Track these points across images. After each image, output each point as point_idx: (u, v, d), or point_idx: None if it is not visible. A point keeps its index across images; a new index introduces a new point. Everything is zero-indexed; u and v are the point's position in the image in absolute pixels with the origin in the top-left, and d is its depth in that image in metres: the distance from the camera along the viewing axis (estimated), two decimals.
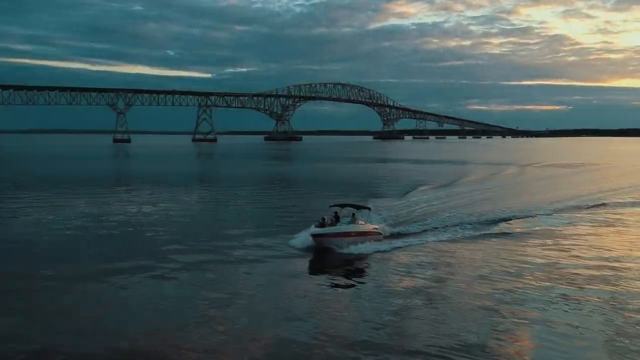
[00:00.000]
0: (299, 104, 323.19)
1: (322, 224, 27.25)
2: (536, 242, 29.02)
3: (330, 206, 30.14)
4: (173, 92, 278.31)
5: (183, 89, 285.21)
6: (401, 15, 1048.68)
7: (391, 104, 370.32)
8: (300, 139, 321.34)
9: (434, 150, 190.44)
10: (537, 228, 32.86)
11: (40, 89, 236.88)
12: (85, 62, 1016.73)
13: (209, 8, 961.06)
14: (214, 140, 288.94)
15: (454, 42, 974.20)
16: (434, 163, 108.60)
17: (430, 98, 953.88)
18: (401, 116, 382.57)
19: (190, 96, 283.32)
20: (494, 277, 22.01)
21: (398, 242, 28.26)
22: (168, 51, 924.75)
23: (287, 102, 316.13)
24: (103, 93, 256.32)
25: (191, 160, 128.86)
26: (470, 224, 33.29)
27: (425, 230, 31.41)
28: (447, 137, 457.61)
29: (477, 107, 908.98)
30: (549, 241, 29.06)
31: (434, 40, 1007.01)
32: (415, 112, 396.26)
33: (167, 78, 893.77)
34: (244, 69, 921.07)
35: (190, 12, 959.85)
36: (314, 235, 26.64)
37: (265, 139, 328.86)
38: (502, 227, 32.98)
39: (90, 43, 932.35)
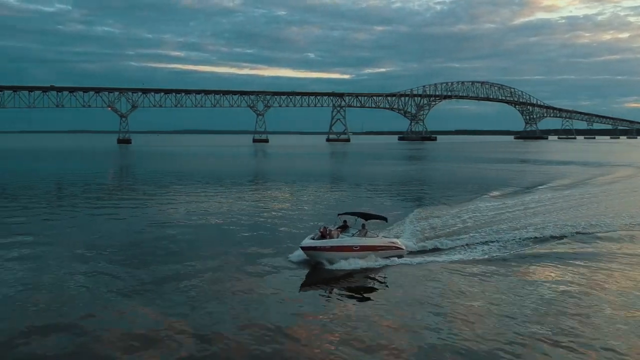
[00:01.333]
0: (434, 103, 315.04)
1: (323, 234, 23.98)
2: (579, 270, 23.29)
3: (338, 215, 26.64)
4: (308, 94, 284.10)
5: (321, 91, 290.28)
6: (549, 8, 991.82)
7: (534, 102, 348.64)
8: (435, 139, 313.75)
9: (576, 150, 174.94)
10: (593, 250, 26.86)
11: (188, 92, 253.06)
12: (232, 66, 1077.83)
13: (349, 10, 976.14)
14: (347, 140, 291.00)
15: (609, 35, 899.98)
16: (565, 164, 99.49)
17: (579, 96, 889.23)
18: (545, 115, 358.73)
19: (325, 97, 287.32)
20: (504, 321, 17.02)
21: (410, 259, 24.54)
22: (309, 54, 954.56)
23: (421, 101, 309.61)
24: (244, 95, 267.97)
25: (323, 159, 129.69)
26: (517, 240, 28.33)
27: (455, 247, 26.77)
28: (597, 137, 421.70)
29: (635, 104, 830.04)
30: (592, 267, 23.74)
31: (586, 34, 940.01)
32: (560, 110, 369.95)
33: (307, 80, 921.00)
34: (383, 69, 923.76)
35: (331, 14, 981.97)
36: (303, 248, 23.55)
37: (399, 139, 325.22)
38: (553, 246, 27.55)
39: (236, 48, 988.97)
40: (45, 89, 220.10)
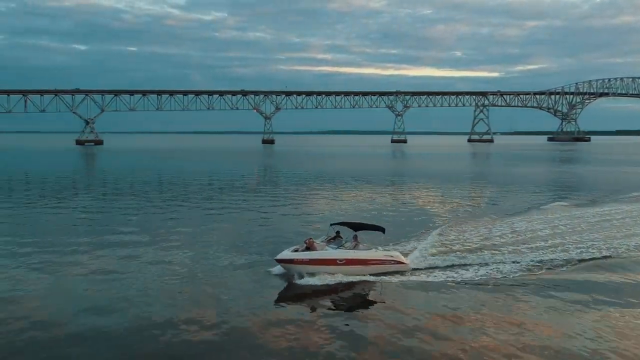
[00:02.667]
0: (588, 101, 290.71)
1: (308, 246, 22.36)
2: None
3: (331, 225, 24.78)
4: (449, 93, 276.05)
5: (468, 90, 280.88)
6: None
7: None
8: (589, 140, 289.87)
9: None
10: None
11: (328, 93, 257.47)
12: (376, 67, 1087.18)
13: (498, 5, 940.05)
14: (491, 140, 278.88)
15: None
16: None
17: None
18: None
19: (467, 96, 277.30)
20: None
21: (412, 277, 22.30)
22: (455, 52, 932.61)
23: (574, 99, 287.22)
24: (383, 96, 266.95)
25: (462, 160, 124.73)
26: (535, 262, 24.43)
27: (465, 265, 23.78)
28: None
29: None
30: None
31: None
32: None
33: (453, 79, 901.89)
34: (534, 66, 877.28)
35: (479, 10, 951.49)
36: (278, 260, 22.17)
37: (549, 139, 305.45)
38: (576, 269, 23.66)
39: (381, 49, 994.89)
40: (197, 93, 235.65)
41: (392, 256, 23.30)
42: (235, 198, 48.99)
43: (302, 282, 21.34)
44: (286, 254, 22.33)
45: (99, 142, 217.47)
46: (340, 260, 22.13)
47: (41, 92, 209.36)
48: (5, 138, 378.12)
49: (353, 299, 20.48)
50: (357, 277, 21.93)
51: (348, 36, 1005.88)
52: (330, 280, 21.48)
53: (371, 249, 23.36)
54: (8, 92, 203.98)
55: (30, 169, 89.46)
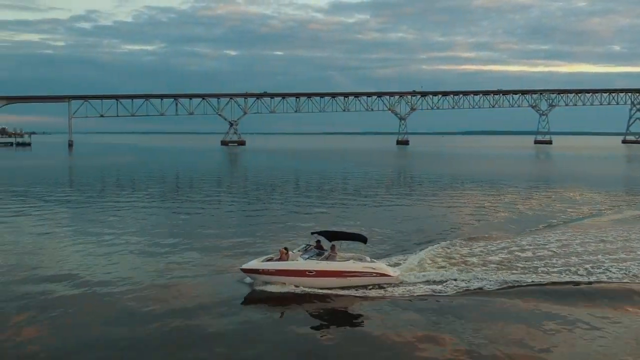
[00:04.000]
0: None
1: (281, 256, 21.33)
2: None
3: (312, 233, 23.52)
4: (601, 91, 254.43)
5: (629, 87, 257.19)
6: None
7: None
8: None
9: None
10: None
11: (465, 93, 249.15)
12: (524, 64, 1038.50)
13: None
14: None
15: None
16: None
17: None
18: None
19: (622, 94, 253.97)
20: None
21: (397, 290, 20.71)
22: (613, 46, 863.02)
23: None
24: (525, 95, 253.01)
25: (616, 163, 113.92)
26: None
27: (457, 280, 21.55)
28: None
29: None
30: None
31: None
32: None
33: (611, 75, 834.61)
34: None
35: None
36: (243, 270, 21.35)
37: None
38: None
39: (529, 45, 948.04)
40: (333, 95, 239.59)
41: (373, 268, 21.59)
42: (363, 197, 48.57)
43: (267, 290, 20.62)
44: (253, 263, 21.53)
45: (242, 143, 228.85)
46: (310, 272, 20.92)
47: (190, 96, 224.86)
48: (158, 138, 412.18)
49: (308, 311, 19.34)
50: (333, 289, 20.70)
51: (494, 33, 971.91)
52: (291, 291, 20.53)
53: (349, 260, 21.86)
54: (161, 97, 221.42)
55: (181, 167, 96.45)
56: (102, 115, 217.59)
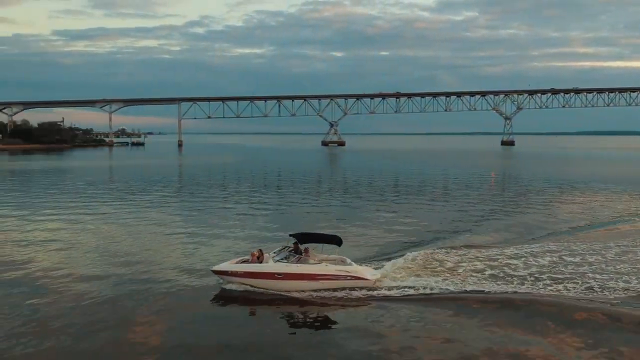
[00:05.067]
0: None
1: (253, 258, 21.45)
2: None
3: (290, 235, 22.81)
4: None
5: None
6: None
7: None
8: None
9: None
10: None
11: (577, 91, 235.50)
12: None
13: None
14: None
15: None
16: None
17: None
18: None
19: None
20: None
21: (371, 294, 20.39)
22: None
23: None
24: None
25: None
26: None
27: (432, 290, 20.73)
28: None
29: None
30: None
31: None
32: None
33: None
34: None
35: None
36: (214, 271, 21.67)
37: None
38: None
39: None
40: (434, 94, 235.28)
41: (347, 271, 21.08)
42: (462, 201, 47.12)
43: (233, 293, 20.72)
44: (223, 265, 21.61)
45: (342, 143, 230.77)
46: (279, 274, 20.78)
47: (292, 98, 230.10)
48: (261, 138, 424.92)
49: (269, 314, 19.46)
50: (304, 292, 20.48)
51: (614, 27, 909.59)
52: (259, 294, 20.53)
53: (322, 262, 21.39)
54: (265, 99, 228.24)
55: (283, 166, 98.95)
56: (209, 117, 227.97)
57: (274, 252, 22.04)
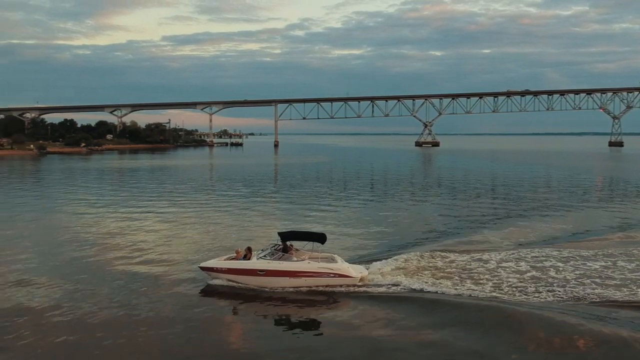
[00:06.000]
0: None
1: (240, 255, 22.16)
2: None
3: (278, 233, 23.49)
4: None
5: None
6: None
7: None
8: None
9: None
10: None
11: None
12: None
13: None
14: None
15: None
16: None
17: None
18: None
19: None
20: None
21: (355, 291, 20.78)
22: None
23: None
24: None
25: None
26: None
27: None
28: None
29: None
30: None
31: None
32: None
33: None
34: None
35: None
36: (201, 268, 22.32)
37: None
38: None
39: None
40: (535, 93, 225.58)
41: (331, 269, 21.23)
42: (562, 209, 44.85)
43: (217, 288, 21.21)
44: (210, 262, 22.20)
45: (436, 144, 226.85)
46: (260, 271, 21.18)
47: (386, 98, 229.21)
48: (355, 139, 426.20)
49: (250, 310, 19.73)
50: (288, 289, 20.91)
51: None
52: (242, 290, 20.97)
53: (305, 260, 21.62)
54: (359, 99, 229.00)
55: (375, 166, 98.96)
56: (304, 118, 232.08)
57: (261, 250, 22.56)
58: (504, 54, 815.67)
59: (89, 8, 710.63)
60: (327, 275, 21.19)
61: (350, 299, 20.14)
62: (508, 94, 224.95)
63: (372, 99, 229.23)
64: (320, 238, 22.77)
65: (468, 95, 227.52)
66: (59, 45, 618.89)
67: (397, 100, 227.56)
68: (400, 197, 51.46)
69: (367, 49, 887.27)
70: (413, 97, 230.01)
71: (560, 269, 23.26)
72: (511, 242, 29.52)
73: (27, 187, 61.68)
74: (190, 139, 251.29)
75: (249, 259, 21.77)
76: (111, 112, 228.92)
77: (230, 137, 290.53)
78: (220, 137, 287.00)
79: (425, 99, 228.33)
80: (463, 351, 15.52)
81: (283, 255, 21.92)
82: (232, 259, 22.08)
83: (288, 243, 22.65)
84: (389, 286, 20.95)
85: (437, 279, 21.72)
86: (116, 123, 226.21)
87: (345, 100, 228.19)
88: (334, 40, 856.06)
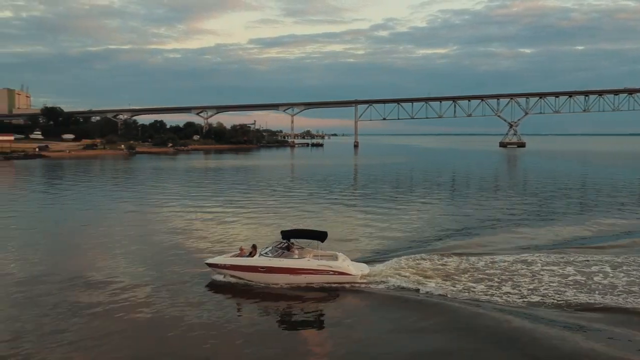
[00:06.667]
0: None
1: (242, 253, 22.97)
2: None
3: (281, 232, 24.15)
4: None
5: None
6: None
7: None
8: None
9: None
10: None
11: None
12: None
13: None
14: None
15: None
16: None
17: None
18: None
19: None
20: None
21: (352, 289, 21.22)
22: None
23: None
24: None
25: None
26: None
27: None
28: None
29: None
30: None
31: None
32: None
33: None
34: None
35: None
36: (207, 264, 23.14)
37: None
38: None
39: None
40: (630, 91, 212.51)
41: (330, 267, 21.79)
42: None
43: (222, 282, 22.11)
44: (217, 258, 23.04)
45: (522, 145, 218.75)
46: (262, 268, 21.89)
47: (469, 98, 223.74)
48: (436, 140, 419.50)
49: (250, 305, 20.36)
50: (289, 285, 21.55)
51: None
52: (245, 285, 21.74)
53: (305, 257, 22.36)
54: (440, 99, 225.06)
55: (457, 167, 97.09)
56: (384, 119, 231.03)
57: (265, 247, 23.35)
58: (599, 50, 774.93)
59: (180, 13, 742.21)
60: (327, 272, 21.79)
61: (346, 296, 20.71)
62: (600, 93, 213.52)
63: (454, 98, 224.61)
64: (320, 236, 23.24)
65: (557, 94, 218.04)
66: (152, 49, 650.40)
67: (480, 100, 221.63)
68: (473, 198, 50.26)
69: (453, 47, 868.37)
70: (498, 97, 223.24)
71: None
72: (553, 242, 29.10)
73: (119, 183, 65.38)
74: (272, 140, 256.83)
75: (253, 257, 22.58)
76: (197, 114, 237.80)
77: (313, 137, 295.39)
78: (304, 137, 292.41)
79: (511, 98, 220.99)
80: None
81: (284, 252, 22.75)
82: (237, 256, 22.91)
83: (292, 241, 23.35)
84: (390, 286, 21.13)
85: (443, 281, 21.63)
86: (202, 124, 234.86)
87: (426, 100, 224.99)
88: (418, 39, 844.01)
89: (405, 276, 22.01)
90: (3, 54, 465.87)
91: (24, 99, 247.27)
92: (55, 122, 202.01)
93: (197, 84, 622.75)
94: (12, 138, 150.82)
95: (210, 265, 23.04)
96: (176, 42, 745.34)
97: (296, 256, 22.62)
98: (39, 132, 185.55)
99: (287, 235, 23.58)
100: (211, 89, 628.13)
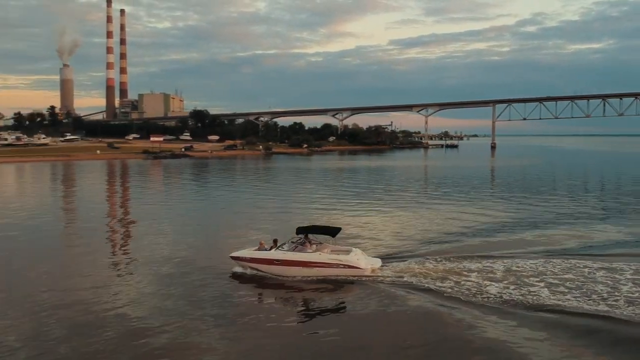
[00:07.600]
0: None
1: (261, 247, 24.93)
2: None
3: (297, 228, 25.28)
4: None
5: None
6: None
7: None
8: None
9: None
10: None
11: None
12: None
13: None
14: None
15: None
16: None
17: None
18: None
19: None
20: None
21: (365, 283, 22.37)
22: None
23: None
24: None
25: None
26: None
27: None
28: None
29: None
30: None
31: None
32: None
33: None
34: None
35: None
36: (231, 257, 25.04)
37: None
38: None
39: None
40: None
41: (340, 260, 23.28)
42: None
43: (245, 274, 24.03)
44: (240, 252, 24.83)
45: None
46: (277, 261, 23.62)
47: (621, 96, 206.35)
48: (582, 140, 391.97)
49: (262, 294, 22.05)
50: (302, 277, 23.10)
51: None
52: (259, 277, 23.53)
53: (317, 252, 23.80)
54: (588, 97, 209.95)
55: (606, 173, 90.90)
56: (524, 119, 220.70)
57: (285, 242, 24.85)
58: None
59: (321, 18, 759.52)
60: (337, 266, 23.32)
61: (352, 289, 22.01)
62: None
63: (603, 96, 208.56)
64: (331, 232, 24.93)
65: None
66: (296, 53, 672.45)
67: (634, 98, 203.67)
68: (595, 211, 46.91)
69: (609, 41, 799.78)
70: None
71: None
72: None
73: (258, 180, 69.69)
74: (406, 141, 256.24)
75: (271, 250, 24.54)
76: (333, 115, 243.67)
77: (451, 138, 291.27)
78: (441, 138, 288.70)
79: None
80: None
81: (297, 247, 24.32)
82: (257, 249, 24.77)
83: (310, 236, 24.80)
84: (402, 281, 22.15)
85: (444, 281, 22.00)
86: (338, 125, 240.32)
87: (572, 98, 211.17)
88: (569, 34, 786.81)
89: (420, 275, 22.80)
90: (164, 62, 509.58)
91: (177, 102, 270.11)
92: (202, 124, 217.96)
93: (336, 86, 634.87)
94: (161, 139, 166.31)
95: (234, 258, 24.88)
96: (318, 46, 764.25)
97: (310, 250, 24.18)
98: (188, 133, 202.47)
99: (302, 231, 25.01)
100: (350, 90, 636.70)
